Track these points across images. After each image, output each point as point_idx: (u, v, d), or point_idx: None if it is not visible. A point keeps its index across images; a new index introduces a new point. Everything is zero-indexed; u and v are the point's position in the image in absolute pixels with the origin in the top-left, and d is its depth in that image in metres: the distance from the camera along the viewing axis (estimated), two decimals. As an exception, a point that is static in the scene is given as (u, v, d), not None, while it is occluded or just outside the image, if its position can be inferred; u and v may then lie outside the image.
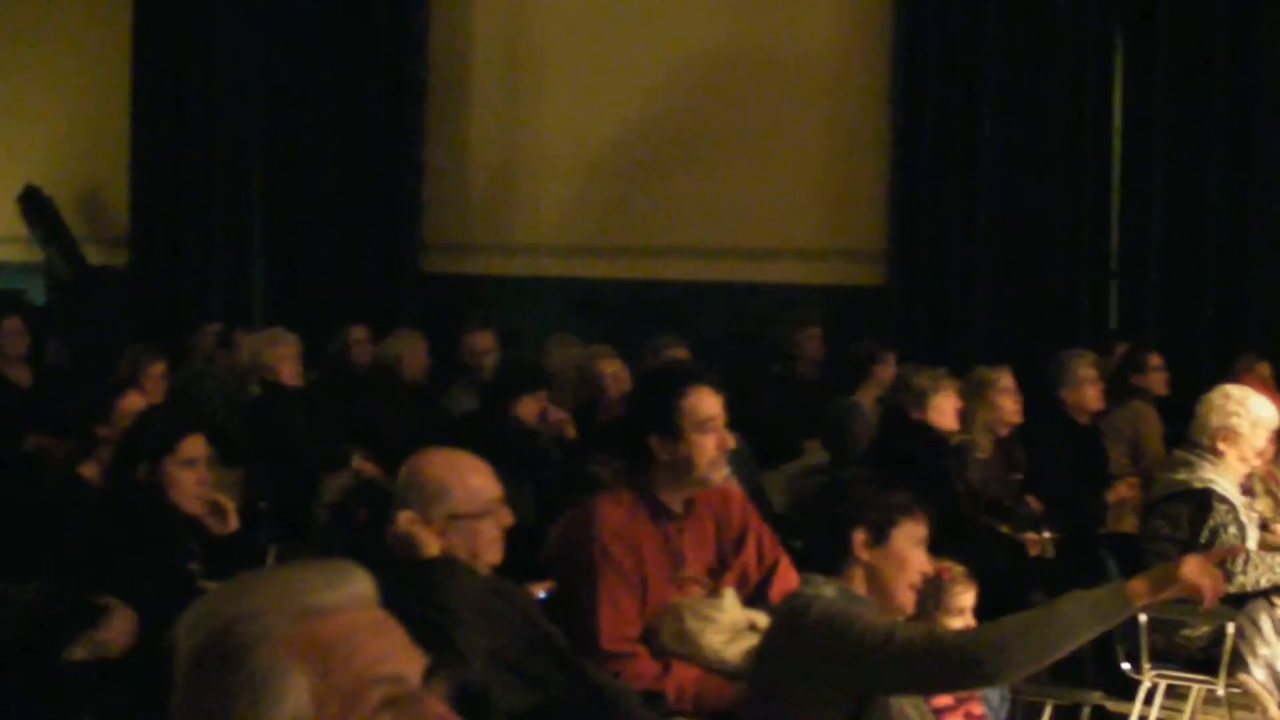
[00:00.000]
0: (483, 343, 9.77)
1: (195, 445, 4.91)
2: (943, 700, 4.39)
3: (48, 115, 15.31)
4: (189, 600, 1.73)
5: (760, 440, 7.88)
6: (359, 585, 1.79)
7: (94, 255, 14.34)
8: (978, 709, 4.60)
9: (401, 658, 1.75)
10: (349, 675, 1.70)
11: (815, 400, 9.21)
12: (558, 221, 12.10)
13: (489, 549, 3.97)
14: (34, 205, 14.32)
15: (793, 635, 3.76)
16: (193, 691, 1.73)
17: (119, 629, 3.56)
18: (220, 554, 4.87)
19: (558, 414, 7.84)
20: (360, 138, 12.52)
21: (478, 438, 6.01)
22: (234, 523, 4.90)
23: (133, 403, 6.17)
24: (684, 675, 4.34)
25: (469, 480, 3.98)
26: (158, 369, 8.09)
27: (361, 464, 7.69)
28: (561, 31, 12.00)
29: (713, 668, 4.37)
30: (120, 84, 14.23)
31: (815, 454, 8.50)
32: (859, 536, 3.79)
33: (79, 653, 4.20)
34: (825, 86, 11.07)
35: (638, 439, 4.54)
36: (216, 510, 4.90)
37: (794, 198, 11.09)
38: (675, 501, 4.57)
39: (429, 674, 1.76)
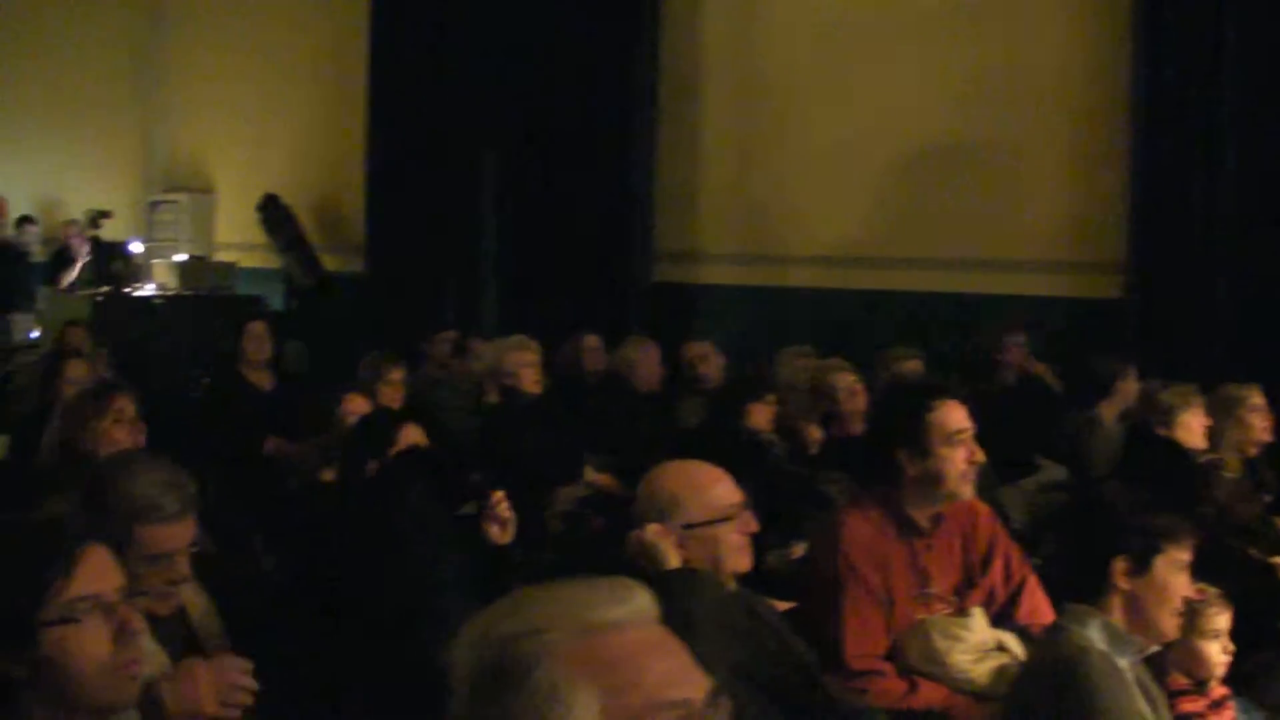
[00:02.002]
0: (700, 351, 9.74)
1: (412, 434, 4.92)
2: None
3: (288, 127, 15.68)
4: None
5: (992, 455, 7.72)
6: (641, 601, 1.75)
7: (331, 262, 14.64)
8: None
9: (689, 680, 1.72)
10: (638, 697, 1.66)
11: (1049, 413, 9.03)
12: (789, 231, 12.02)
13: (733, 557, 3.93)
14: (273, 213, 14.66)
15: (1052, 692, 3.65)
16: (472, 708, 1.71)
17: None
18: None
19: (811, 429, 7.76)
20: (593, 147, 12.57)
21: (708, 448, 5.97)
22: (509, 535, 4.91)
23: (357, 406, 6.25)
24: (931, 695, 4.26)
25: (703, 489, 3.95)
26: (396, 375, 8.17)
27: (595, 475, 7.69)
28: (795, 42, 11.93)
29: (960, 688, 4.28)
30: (357, 96, 14.50)
31: (1052, 469, 8.31)
32: (1120, 565, 3.68)
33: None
34: (1065, 97, 10.84)
35: (885, 453, 4.47)
36: (500, 519, 4.90)
37: (1032, 209, 10.88)
38: (922, 517, 4.49)
39: (711, 697, 1.72)
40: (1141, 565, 3.67)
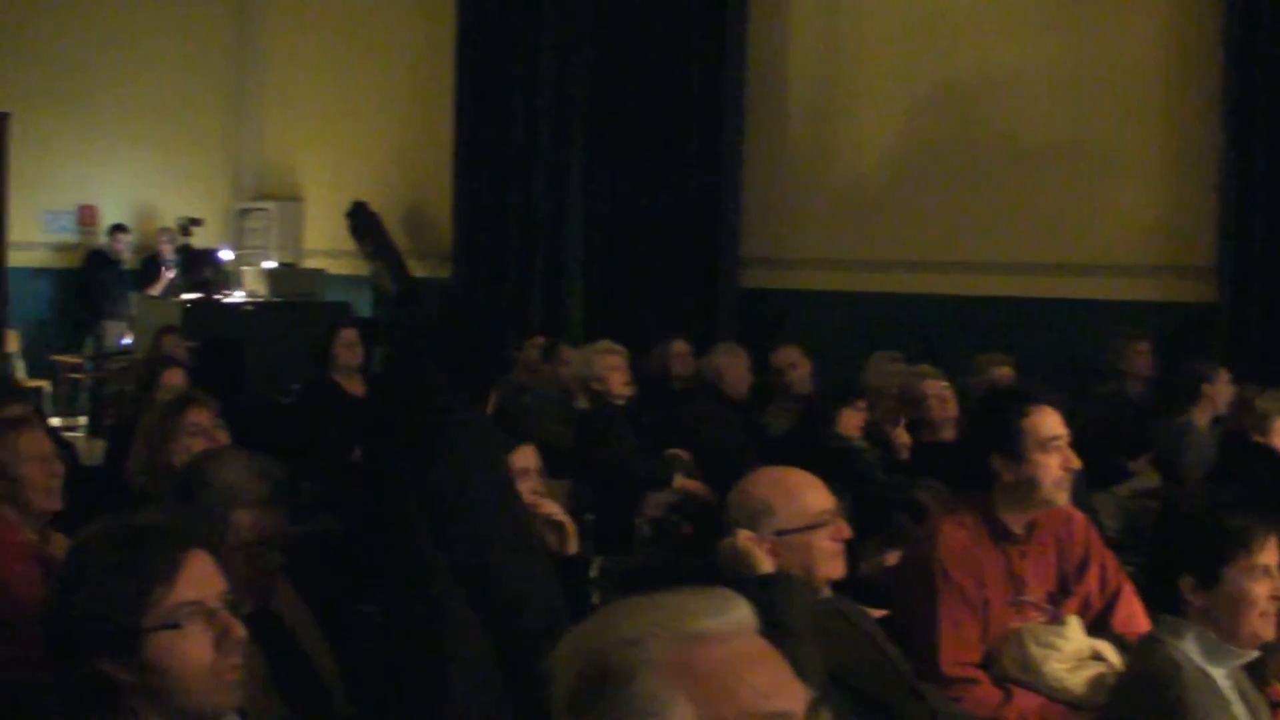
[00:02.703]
0: (789, 358, 9.71)
1: (526, 456, 4.94)
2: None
3: (376, 135, 15.81)
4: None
5: (1085, 460, 7.65)
6: (741, 612, 1.75)
7: (418, 269, 14.71)
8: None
9: (787, 692, 1.71)
10: (735, 708, 1.66)
11: (1140, 419, 8.95)
12: (875, 236, 11.98)
13: (826, 563, 3.91)
14: (361, 220, 14.77)
15: (1146, 708, 3.61)
16: (571, 718, 1.71)
17: None
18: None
19: (899, 432, 7.74)
20: (680, 152, 12.57)
21: (799, 454, 5.96)
22: (574, 546, 4.91)
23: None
24: (1026, 704, 4.23)
25: (794, 495, 3.93)
26: (489, 386, 8.19)
27: (683, 481, 7.69)
28: (877, 45, 11.90)
29: (1055, 697, 4.24)
30: (444, 104, 14.59)
31: (1146, 476, 8.24)
32: (1186, 583, 3.64)
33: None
34: (1154, 99, 10.75)
35: (980, 459, 4.44)
36: (557, 528, 4.91)
37: (1122, 212, 10.79)
38: (1017, 524, 4.45)
39: (811, 708, 1.71)
40: (1209, 579, 3.62)
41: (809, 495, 3.93)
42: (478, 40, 14.26)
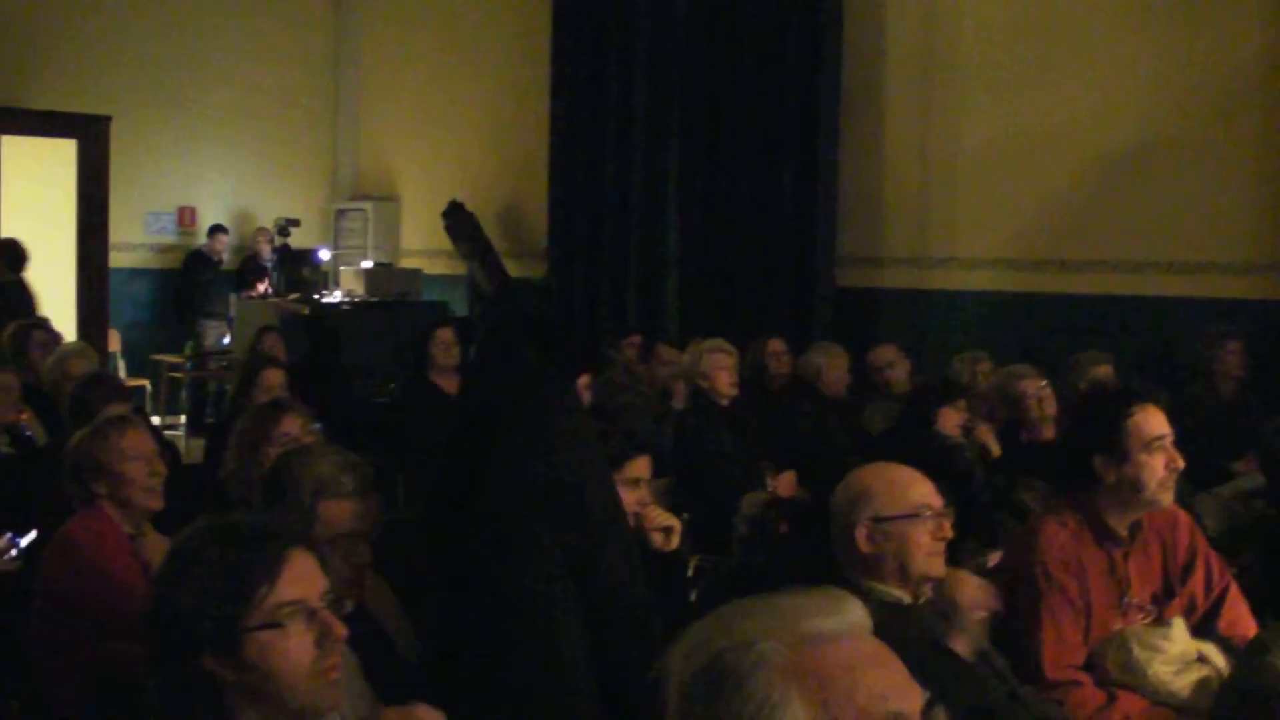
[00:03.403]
0: (887, 357, 9.66)
1: (642, 467, 4.90)
2: None
3: (472, 134, 15.89)
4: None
5: (1187, 461, 7.54)
6: (856, 613, 1.74)
7: (514, 268, 14.76)
8: None
9: (904, 692, 1.69)
10: (852, 709, 1.65)
11: (1234, 418, 8.83)
12: (972, 234, 11.88)
13: (924, 560, 3.85)
14: (457, 220, 14.83)
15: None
16: (685, 718, 1.70)
17: None
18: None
19: (984, 431, 7.67)
20: (775, 151, 12.52)
21: (897, 452, 5.91)
22: (676, 542, 4.88)
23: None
24: (1130, 706, 4.18)
25: (899, 486, 3.91)
26: (583, 380, 8.19)
27: (778, 480, 7.66)
28: (978, 42, 11.79)
29: (1160, 700, 4.20)
30: (540, 103, 14.63)
31: (1250, 477, 8.11)
32: None
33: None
34: (1251, 95, 10.56)
35: (1082, 460, 4.39)
36: (663, 529, 4.89)
37: (1224, 210, 10.61)
38: (1121, 525, 4.41)
39: (927, 708, 1.70)
40: None
41: (912, 487, 3.90)
42: (573, 39, 14.29)
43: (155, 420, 12.62)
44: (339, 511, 3.92)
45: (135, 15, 16.22)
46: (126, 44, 16.16)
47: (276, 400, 6.01)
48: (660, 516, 4.85)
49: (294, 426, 5.53)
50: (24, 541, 5.94)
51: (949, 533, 3.89)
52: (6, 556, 5.92)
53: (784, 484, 7.60)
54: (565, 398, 4.42)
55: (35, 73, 15.50)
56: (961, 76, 11.86)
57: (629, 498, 4.83)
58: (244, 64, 16.94)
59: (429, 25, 16.67)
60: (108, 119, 15.26)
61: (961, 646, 3.95)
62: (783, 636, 1.69)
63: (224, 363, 14.43)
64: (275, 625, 2.56)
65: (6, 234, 14.10)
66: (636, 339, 11.04)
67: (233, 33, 16.81)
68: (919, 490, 3.89)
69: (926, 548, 3.84)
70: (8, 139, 14.85)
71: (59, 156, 15.13)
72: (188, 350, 15.54)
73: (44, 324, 9.46)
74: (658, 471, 5.36)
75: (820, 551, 4.37)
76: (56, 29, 15.71)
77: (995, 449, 7.63)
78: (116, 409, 5.98)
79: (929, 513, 3.85)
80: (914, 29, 12.18)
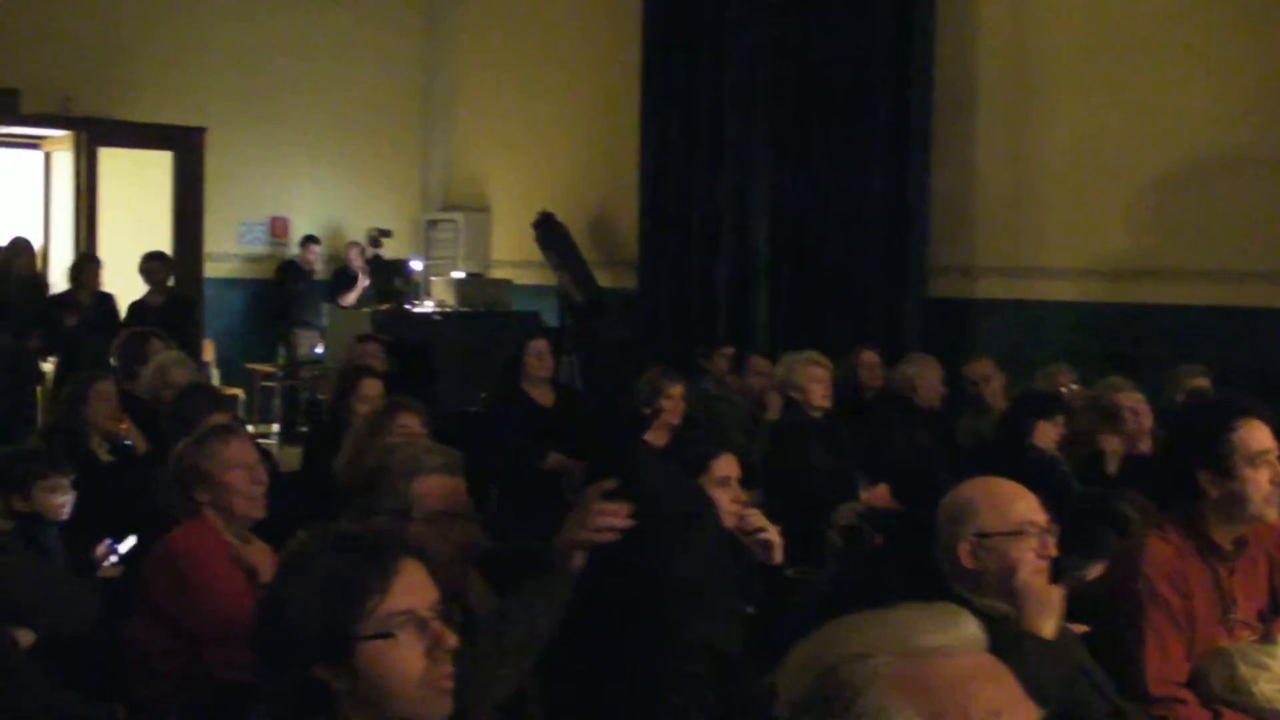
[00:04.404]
0: (983, 370, 9.60)
1: (728, 465, 4.94)
2: None
3: (562, 146, 15.94)
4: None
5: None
6: (969, 629, 1.73)
7: (604, 279, 14.78)
8: None
9: (1018, 708, 1.69)
10: None
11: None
12: (1064, 244, 11.77)
13: (1027, 576, 3.84)
14: (548, 231, 14.87)
15: None
16: None
17: None
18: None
19: (1110, 442, 7.60)
20: (866, 161, 12.49)
21: (993, 465, 5.87)
22: (778, 556, 4.89)
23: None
24: (1234, 725, 4.14)
25: (1003, 501, 3.88)
26: (677, 390, 8.20)
27: (871, 493, 7.63)
28: (1069, 51, 11.70)
29: (1265, 718, 4.14)
30: (630, 114, 14.66)
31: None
32: None
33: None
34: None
35: (1185, 474, 4.35)
36: (758, 540, 4.90)
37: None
38: (1225, 540, 4.35)
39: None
40: None
41: (1016, 503, 3.87)
42: (663, 51, 14.31)
43: (249, 429, 12.73)
44: (431, 488, 3.95)
45: (230, 30, 16.41)
46: (221, 57, 16.34)
47: (399, 400, 6.10)
48: (760, 519, 4.86)
49: (412, 423, 5.64)
50: (123, 548, 6.01)
51: (1053, 550, 3.86)
52: (106, 563, 6.00)
53: (877, 496, 7.56)
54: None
55: (133, 86, 15.71)
56: (1052, 86, 11.77)
57: (722, 497, 4.85)
58: (336, 76, 17.09)
59: (520, 37, 16.75)
60: (203, 131, 15.47)
61: None
62: (896, 651, 1.69)
63: (316, 372, 14.54)
64: (386, 635, 2.58)
65: (103, 245, 14.31)
66: (729, 350, 11.02)
67: (325, 45, 16.96)
68: (1023, 506, 3.87)
69: (1030, 564, 3.81)
70: (106, 151, 15.05)
71: (155, 168, 15.33)
72: (281, 360, 15.69)
73: (158, 333, 9.56)
74: (749, 483, 5.37)
75: (916, 564, 4.36)
76: (154, 44, 15.92)
77: (1113, 465, 7.55)
78: (218, 418, 6.05)
79: (1033, 529, 3.83)
80: (1005, 39, 12.10)
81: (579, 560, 3.59)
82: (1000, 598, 3.80)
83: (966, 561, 3.81)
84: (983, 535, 3.81)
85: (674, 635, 4.11)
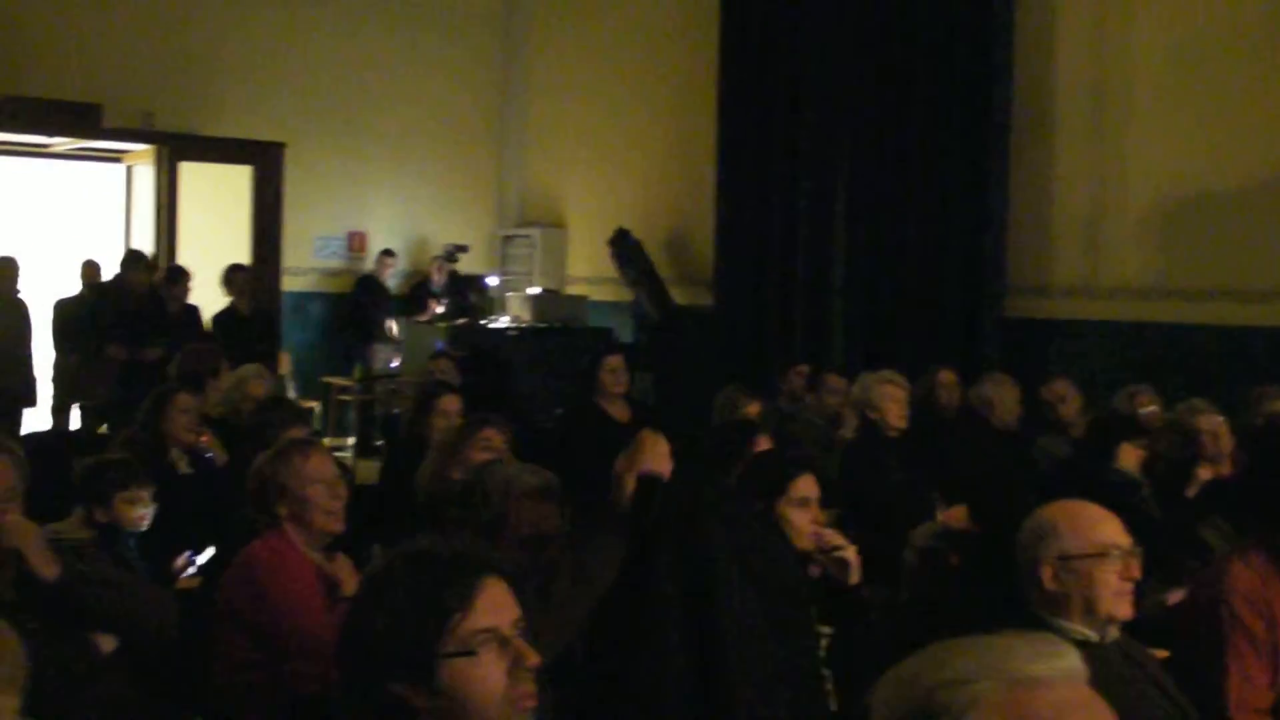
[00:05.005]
0: (1061, 390, 9.52)
1: (807, 485, 4.92)
2: None
3: (638, 163, 15.97)
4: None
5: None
6: (1071, 660, 1.73)
7: (680, 296, 14.80)
8: None
9: None
10: None
11: None
12: (1143, 264, 11.69)
13: (1110, 600, 3.81)
14: (624, 247, 14.89)
15: None
16: None
17: None
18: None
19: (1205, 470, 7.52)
20: (943, 181, 12.45)
21: (1072, 487, 5.82)
22: (856, 575, 4.87)
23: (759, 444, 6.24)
24: (1319, 753, 4.09)
25: (1085, 524, 3.87)
26: (753, 409, 8.19)
27: (947, 514, 7.58)
28: (1149, 71, 11.61)
29: (1349, 747, 4.09)
30: (707, 132, 14.68)
31: None
32: None
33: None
34: None
35: (1268, 498, 4.31)
36: (835, 558, 4.87)
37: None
38: (1310, 564, 4.31)
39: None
40: None
41: (1100, 526, 3.85)
42: (739, 68, 14.31)
43: (325, 442, 12.80)
44: (526, 510, 3.97)
45: (310, 46, 16.54)
46: (301, 73, 16.47)
47: (484, 416, 6.13)
48: (836, 537, 4.84)
49: (496, 438, 5.66)
50: (201, 559, 6.06)
51: (1137, 573, 3.83)
52: (185, 574, 6.05)
53: (954, 517, 7.51)
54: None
55: (213, 101, 15.85)
56: (1133, 101, 11.69)
57: (801, 518, 4.83)
58: (413, 92, 17.19)
59: (596, 53, 16.79)
60: (282, 146, 15.59)
61: None
62: (996, 677, 1.69)
63: (392, 386, 14.60)
64: (468, 653, 2.58)
65: (182, 258, 14.44)
66: (804, 369, 10.99)
67: (402, 62, 17.07)
68: (1107, 529, 3.85)
69: (1113, 587, 3.79)
70: (186, 165, 15.20)
71: (235, 182, 15.46)
72: (357, 373, 15.75)
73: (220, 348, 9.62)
74: (826, 502, 5.35)
75: (993, 586, 4.33)
76: (234, 60, 16.05)
77: (1194, 489, 7.46)
78: (297, 432, 6.08)
79: (1117, 552, 3.80)
80: (1084, 56, 12.03)
81: (629, 489, 3.61)
82: (1082, 621, 3.77)
83: (1049, 583, 3.78)
84: (1065, 557, 3.79)
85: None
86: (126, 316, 12.79)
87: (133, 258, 13.62)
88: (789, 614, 4.22)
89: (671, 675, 3.60)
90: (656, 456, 3.63)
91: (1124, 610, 3.83)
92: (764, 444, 6.08)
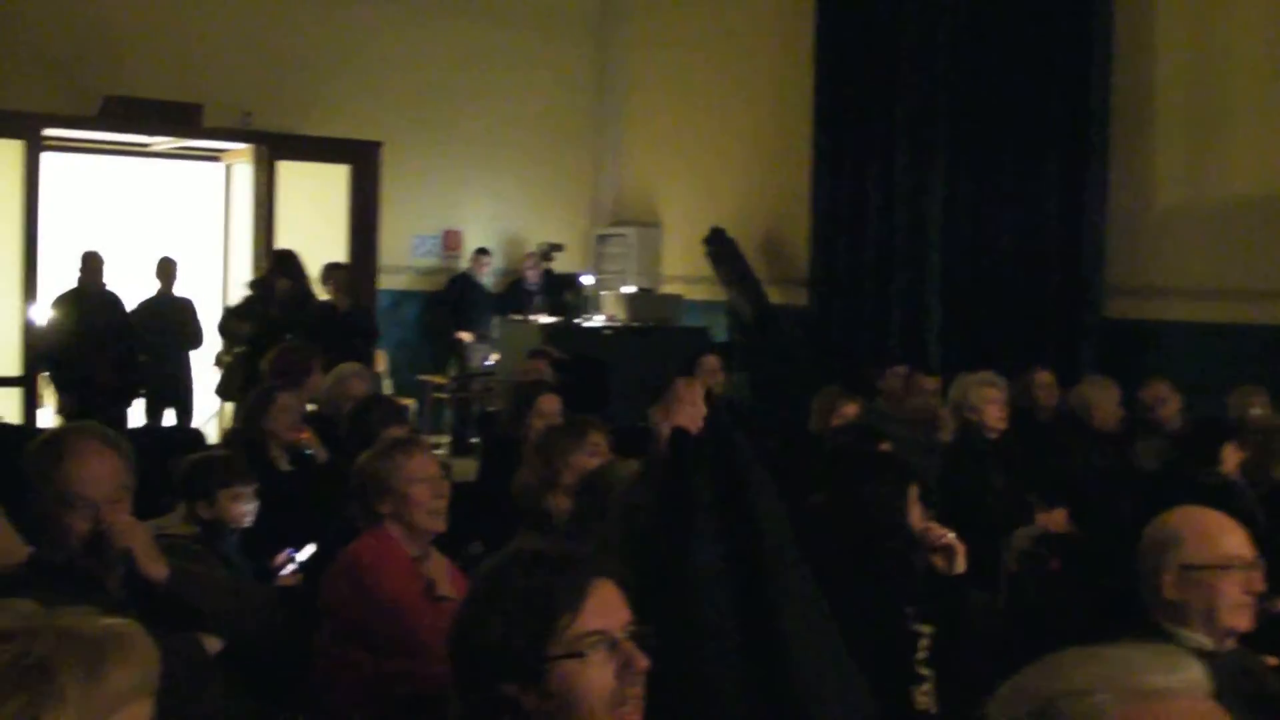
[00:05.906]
0: (1159, 392, 9.43)
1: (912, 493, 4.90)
2: None
3: (734, 162, 15.95)
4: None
5: None
6: (1194, 672, 1.72)
7: (775, 295, 14.76)
8: None
9: None
10: None
11: None
12: (1245, 265, 11.54)
13: (1231, 612, 3.78)
14: (718, 246, 14.90)
15: None
16: None
17: None
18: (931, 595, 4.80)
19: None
20: (1040, 178, 12.35)
21: (1172, 490, 5.77)
22: (962, 564, 4.83)
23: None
24: None
25: (1210, 534, 3.83)
26: (850, 410, 8.16)
27: (1047, 517, 7.52)
28: (1249, 68, 11.46)
29: None
30: (803, 131, 14.66)
31: None
32: None
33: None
34: None
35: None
36: (944, 550, 4.84)
37: None
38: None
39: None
40: None
41: (1224, 537, 3.82)
42: (836, 67, 14.28)
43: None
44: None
45: (407, 45, 16.65)
46: (398, 73, 16.58)
47: (586, 418, 6.12)
48: (940, 529, 4.81)
49: (601, 441, 5.66)
50: (301, 556, 6.10)
51: (1260, 586, 3.79)
52: (285, 571, 6.09)
53: (1054, 520, 7.45)
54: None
55: (311, 101, 15.99)
56: (1234, 99, 11.55)
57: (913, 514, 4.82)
58: (508, 91, 17.26)
59: (691, 52, 16.79)
60: (379, 145, 15.69)
61: None
62: (1118, 689, 1.68)
63: (488, 384, 14.66)
64: (577, 655, 2.58)
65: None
66: (902, 369, 10.92)
67: (499, 61, 17.14)
68: (1231, 540, 3.81)
69: (1234, 599, 3.75)
70: (284, 164, 15.33)
71: (332, 181, 15.58)
72: (452, 371, 15.82)
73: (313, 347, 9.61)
74: (924, 503, 5.31)
75: (1098, 591, 4.29)
76: (332, 60, 16.19)
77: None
78: (397, 431, 6.11)
79: (1240, 564, 3.76)
80: (1187, 51, 11.89)
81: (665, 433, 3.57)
82: (1202, 631, 3.73)
83: (1169, 592, 3.75)
84: (1188, 567, 3.76)
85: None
86: (271, 319, 12.60)
87: (279, 257, 13.42)
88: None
89: (717, 648, 3.53)
90: (689, 404, 3.53)
91: (1243, 622, 3.80)
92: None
